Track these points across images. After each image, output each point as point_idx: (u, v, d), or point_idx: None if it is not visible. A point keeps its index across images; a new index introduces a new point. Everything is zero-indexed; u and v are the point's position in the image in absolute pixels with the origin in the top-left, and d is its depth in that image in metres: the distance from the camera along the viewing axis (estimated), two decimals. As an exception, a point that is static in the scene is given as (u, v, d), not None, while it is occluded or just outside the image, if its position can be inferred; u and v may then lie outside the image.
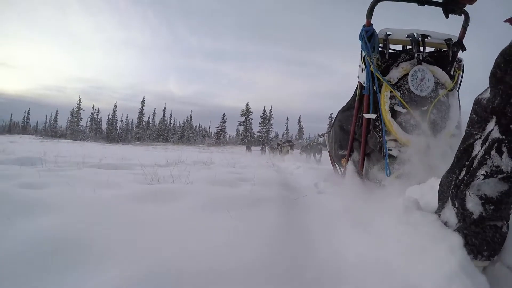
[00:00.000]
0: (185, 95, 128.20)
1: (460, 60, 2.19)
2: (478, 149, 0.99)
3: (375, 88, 2.07)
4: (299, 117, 59.01)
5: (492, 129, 0.95)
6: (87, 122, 58.84)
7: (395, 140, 1.97)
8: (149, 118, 60.66)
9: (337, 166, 3.09)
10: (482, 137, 0.98)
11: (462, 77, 2.18)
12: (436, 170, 1.52)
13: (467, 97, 1.94)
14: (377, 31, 2.09)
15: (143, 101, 57.81)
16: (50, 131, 59.79)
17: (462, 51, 2.18)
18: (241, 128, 51.93)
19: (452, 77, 2.12)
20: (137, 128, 57.56)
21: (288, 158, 9.57)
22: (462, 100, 2.10)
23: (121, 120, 62.28)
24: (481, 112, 0.99)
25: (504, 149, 0.91)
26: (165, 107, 61.00)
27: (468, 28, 2.13)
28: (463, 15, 2.03)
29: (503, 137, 0.92)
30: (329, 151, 3.33)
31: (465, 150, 1.04)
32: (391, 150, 1.97)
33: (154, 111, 60.75)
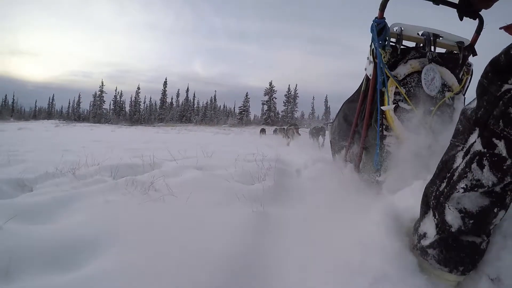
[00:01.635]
0: (210, 75, 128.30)
1: (469, 65, 2.18)
2: (459, 161, 0.98)
3: (381, 82, 2.04)
4: (326, 97, 56.52)
5: (475, 141, 0.94)
6: (110, 105, 59.88)
7: (395, 137, 1.97)
8: (172, 99, 61.13)
9: (336, 156, 3.08)
10: (464, 149, 0.97)
11: (470, 82, 2.18)
12: (431, 172, 1.45)
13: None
14: (389, 24, 2.05)
15: (165, 82, 57.81)
16: (73, 115, 61.17)
17: (473, 56, 2.16)
18: (265, 107, 49.21)
19: (460, 81, 2.13)
20: (160, 110, 56.57)
21: (294, 144, 9.44)
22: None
23: (144, 102, 62.80)
24: (465, 122, 0.99)
25: (485, 162, 0.90)
26: (188, 88, 61.54)
27: (481, 34, 2.08)
28: (477, 19, 2.00)
29: (485, 150, 0.90)
30: (330, 140, 3.37)
31: (446, 161, 1.04)
32: (389, 146, 1.99)
33: (177, 92, 60.69)
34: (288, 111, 51.05)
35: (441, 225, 1.00)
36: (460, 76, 2.15)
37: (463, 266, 0.98)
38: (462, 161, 0.97)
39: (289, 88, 51.96)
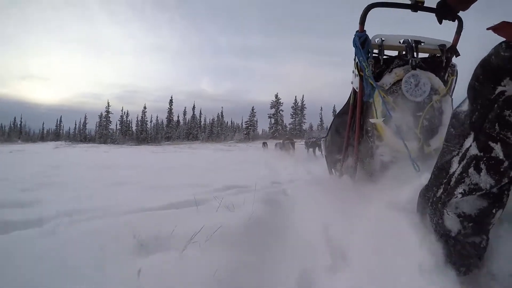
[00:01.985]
0: (218, 93, 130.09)
1: (454, 66, 2.22)
2: (455, 166, 0.99)
3: (367, 93, 2.09)
4: (334, 107, 55.13)
5: (470, 146, 0.95)
6: (116, 125, 60.25)
7: (387, 146, 2.01)
8: (178, 117, 61.39)
9: (333, 170, 3.14)
10: (460, 154, 0.98)
11: (455, 83, 2.22)
12: (426, 176, 1.48)
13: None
14: (371, 37, 2.12)
15: (171, 101, 57.40)
16: (79, 136, 61.36)
17: (456, 57, 2.20)
18: (272, 121, 48.18)
19: (445, 83, 2.16)
20: (166, 128, 56.10)
21: (288, 160, 9.24)
22: (455, 106, 1.78)
23: (151, 121, 63.03)
24: (459, 126, 1.00)
25: (482, 166, 0.91)
26: (194, 105, 61.53)
27: (461, 33, 2.16)
28: (456, 21, 2.05)
29: (481, 154, 0.91)
30: (325, 155, 3.40)
31: (442, 167, 1.05)
32: (383, 156, 2.04)
33: (184, 110, 60.95)
34: (296, 123, 50.10)
35: (440, 229, 1.01)
36: (446, 78, 2.19)
37: (465, 266, 0.98)
38: (459, 166, 0.97)
39: (295, 100, 51.23)
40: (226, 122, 62.22)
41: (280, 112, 50.04)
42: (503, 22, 0.93)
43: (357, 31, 2.09)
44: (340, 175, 2.80)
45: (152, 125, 63.26)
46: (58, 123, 68.53)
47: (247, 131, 50.46)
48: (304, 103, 51.71)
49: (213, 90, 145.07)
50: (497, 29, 0.94)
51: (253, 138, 44.72)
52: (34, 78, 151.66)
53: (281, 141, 15.65)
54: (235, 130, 59.60)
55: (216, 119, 59.02)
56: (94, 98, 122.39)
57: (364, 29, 2.07)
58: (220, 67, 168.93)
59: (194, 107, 60.20)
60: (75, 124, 66.61)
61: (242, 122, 58.36)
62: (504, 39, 0.90)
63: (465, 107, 0.99)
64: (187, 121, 60.23)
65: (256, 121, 53.57)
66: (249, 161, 8.44)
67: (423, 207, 1.12)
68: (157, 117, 65.09)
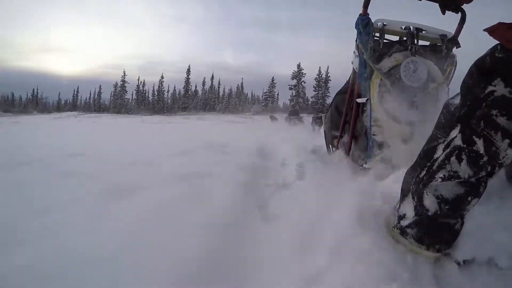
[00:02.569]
0: (240, 65, 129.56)
1: (453, 56, 2.27)
2: (440, 153, 1.07)
3: (366, 75, 2.21)
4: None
5: (456, 136, 1.02)
6: (132, 94, 60.30)
7: (380, 126, 2.09)
8: (196, 87, 60.65)
9: (330, 146, 3.25)
10: (445, 142, 1.05)
11: (453, 73, 2.27)
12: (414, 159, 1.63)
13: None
14: (373, 21, 2.21)
15: (188, 70, 55.65)
16: (94, 106, 61.75)
17: (457, 48, 2.27)
18: (294, 93, 44.61)
19: (444, 72, 2.21)
20: (183, 98, 53.75)
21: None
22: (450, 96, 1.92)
23: (168, 91, 62.81)
24: (448, 117, 1.08)
25: (463, 156, 0.99)
26: (212, 75, 60.33)
27: (464, 26, 2.23)
28: (460, 12, 2.12)
29: (464, 145, 0.99)
30: (324, 131, 3.51)
31: (428, 151, 1.13)
32: (375, 135, 2.11)
33: (203, 80, 59.56)
34: (319, 96, 46.22)
35: (419, 208, 1.11)
36: (444, 67, 2.22)
37: (439, 244, 1.10)
38: (442, 153, 1.05)
39: (320, 71, 47.18)
40: (246, 93, 61.15)
41: (302, 83, 46.26)
42: (500, 23, 0.95)
43: (360, 14, 2.18)
44: (335, 150, 2.97)
45: (169, 95, 62.83)
46: (75, 93, 69.44)
47: (266, 103, 47.28)
48: (329, 75, 48.19)
49: (235, 62, 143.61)
50: (493, 31, 0.96)
51: (271, 110, 41.58)
52: (56, 51, 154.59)
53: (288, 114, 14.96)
54: (254, 102, 58.24)
55: (235, 90, 57.76)
56: (116, 68, 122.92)
57: (368, 12, 2.17)
58: (243, 39, 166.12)
59: (212, 77, 58.35)
60: (90, 94, 67.49)
61: (262, 95, 56.30)
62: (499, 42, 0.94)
63: (457, 100, 1.06)
64: (205, 91, 59.27)
65: (278, 94, 52.16)
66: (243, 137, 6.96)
67: (406, 184, 1.21)
68: (174, 87, 64.40)
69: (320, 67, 47.95)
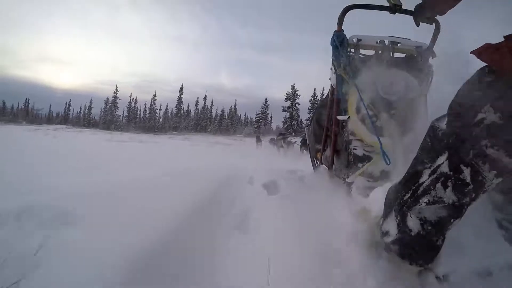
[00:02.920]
0: (236, 87, 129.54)
1: (430, 66, 2.29)
2: (425, 178, 1.08)
3: (343, 91, 2.25)
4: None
5: (442, 163, 1.02)
6: (123, 111, 59.25)
7: (360, 140, 2.11)
8: (188, 107, 60.35)
9: (314, 160, 3.30)
10: (432, 168, 1.06)
11: (431, 82, 2.27)
12: (397, 172, 1.67)
13: (435, 101, 2.07)
14: (348, 37, 2.25)
15: (181, 89, 54.22)
16: (83, 120, 60.91)
17: (433, 58, 2.30)
18: (287, 115, 42.96)
19: (421, 82, 2.21)
20: (175, 118, 52.25)
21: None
22: (429, 105, 2.22)
23: (160, 109, 61.83)
24: (435, 142, 1.08)
25: (449, 184, 1.00)
26: (205, 96, 58.19)
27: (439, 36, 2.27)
28: (434, 23, 2.18)
29: (451, 173, 0.99)
30: (308, 144, 3.49)
31: (413, 175, 1.13)
32: (356, 149, 2.12)
33: (196, 100, 58.86)
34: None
35: (402, 227, 1.13)
36: (421, 78, 2.22)
37: (421, 260, 1.13)
38: (428, 178, 1.06)
39: (314, 93, 45.60)
40: (239, 115, 60.94)
41: (297, 105, 44.65)
42: (486, 44, 0.95)
43: (335, 31, 2.21)
44: (319, 164, 3.07)
45: (161, 113, 62.24)
46: (67, 106, 68.44)
47: (258, 125, 45.64)
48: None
49: (231, 84, 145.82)
50: (480, 53, 0.96)
51: (264, 133, 39.85)
52: (53, 62, 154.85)
53: (275, 137, 14.34)
54: (247, 124, 58.09)
55: (228, 111, 57.45)
56: (111, 84, 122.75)
57: (342, 28, 2.21)
58: (239, 61, 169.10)
59: (205, 98, 56.63)
60: (80, 108, 66.44)
61: (255, 117, 54.32)
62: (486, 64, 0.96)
63: (443, 124, 1.06)
64: (198, 112, 58.55)
65: (271, 117, 51.75)
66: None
67: (390, 203, 1.23)
68: (167, 105, 62.79)
69: (315, 89, 46.78)
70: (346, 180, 2.12)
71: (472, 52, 0.98)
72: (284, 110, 45.37)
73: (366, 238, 1.35)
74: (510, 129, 0.90)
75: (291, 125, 43.30)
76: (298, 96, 45.58)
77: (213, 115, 58.05)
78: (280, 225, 1.78)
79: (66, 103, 68.54)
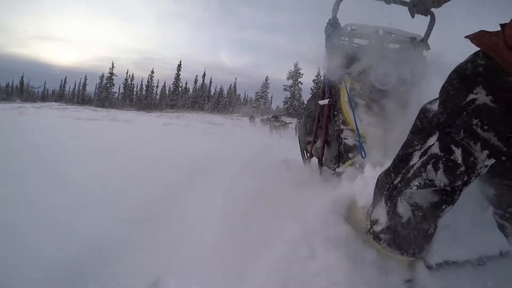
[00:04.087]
0: (237, 66, 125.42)
1: (424, 58, 2.26)
2: (416, 160, 1.05)
3: (335, 79, 2.25)
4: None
5: (433, 144, 1.01)
6: (119, 88, 57.68)
7: (352, 130, 2.09)
8: (186, 84, 58.26)
9: (304, 152, 3.28)
10: (422, 149, 1.05)
11: (424, 74, 2.17)
12: (388, 162, 1.59)
13: (429, 93, 1.73)
14: (342, 25, 2.25)
15: (179, 65, 51.63)
16: (77, 97, 59.42)
17: (426, 50, 2.28)
18: (289, 94, 40.31)
19: (414, 74, 2.14)
20: (172, 95, 49.70)
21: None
22: (422, 98, 1.95)
23: (157, 86, 60.16)
24: (426, 124, 1.06)
25: (440, 165, 0.97)
26: (204, 73, 55.00)
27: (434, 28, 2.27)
28: (429, 15, 2.16)
29: (442, 154, 0.97)
30: (298, 137, 3.54)
31: (403, 158, 1.11)
32: (347, 139, 2.11)
33: (195, 78, 57.39)
34: (316, 99, 41.61)
35: (392, 214, 1.10)
36: (414, 70, 2.16)
37: (412, 249, 1.09)
38: (419, 161, 1.04)
39: (318, 73, 42.39)
40: (238, 94, 59.59)
41: (299, 85, 41.83)
42: (481, 31, 0.95)
43: (329, 19, 2.20)
44: (309, 156, 3.00)
45: (158, 91, 60.72)
46: (63, 83, 66.72)
47: (257, 104, 43.05)
48: (328, 78, 43.08)
49: (233, 63, 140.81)
50: (474, 38, 0.96)
51: (263, 112, 37.35)
52: (53, 39, 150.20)
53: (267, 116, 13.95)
54: (246, 103, 56.27)
55: (227, 90, 55.88)
56: (110, 62, 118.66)
57: (337, 17, 2.20)
58: (241, 40, 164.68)
59: (204, 75, 54.02)
60: (74, 85, 65.47)
61: (255, 96, 52.94)
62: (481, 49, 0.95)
63: (435, 106, 1.05)
64: (196, 90, 56.84)
65: (271, 98, 50.35)
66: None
67: (380, 190, 1.20)
68: (164, 82, 60.60)
69: (319, 68, 43.70)
70: (336, 170, 2.13)
71: (466, 37, 0.97)
72: (285, 89, 42.77)
73: (354, 231, 1.32)
74: (501, 113, 0.89)
75: (292, 105, 40.75)
76: (301, 75, 42.90)
77: (212, 93, 56.47)
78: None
79: (61, 80, 67.12)
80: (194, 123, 14.66)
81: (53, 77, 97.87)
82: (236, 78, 72.15)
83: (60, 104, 37.51)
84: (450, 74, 1.00)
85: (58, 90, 66.59)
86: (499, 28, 0.90)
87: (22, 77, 63.28)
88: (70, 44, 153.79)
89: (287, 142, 7.36)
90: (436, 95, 1.06)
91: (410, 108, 1.96)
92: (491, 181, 1.17)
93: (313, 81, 44.03)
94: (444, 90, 1.01)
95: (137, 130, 9.03)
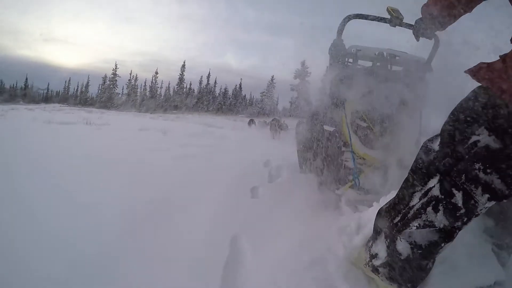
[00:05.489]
0: (243, 68, 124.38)
1: (426, 81, 2.24)
2: (416, 201, 1.06)
3: (338, 101, 2.20)
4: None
5: (434, 186, 1.01)
6: (123, 89, 55.96)
7: (352, 152, 2.08)
8: (191, 84, 56.66)
9: (303, 166, 3.26)
10: (422, 191, 1.05)
11: (426, 97, 2.23)
12: (388, 186, 1.67)
13: (430, 115, 2.11)
14: (348, 47, 2.24)
15: (183, 66, 48.93)
16: (80, 99, 58.43)
17: (429, 73, 2.25)
18: (295, 94, 37.91)
19: (417, 96, 2.16)
20: (175, 96, 47.88)
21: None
22: (424, 119, 2.23)
23: (161, 87, 57.84)
24: (427, 164, 1.06)
25: (440, 207, 0.98)
26: (209, 73, 52.09)
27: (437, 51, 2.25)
28: (433, 39, 2.13)
29: (442, 197, 0.98)
30: (297, 150, 3.46)
31: (403, 197, 1.12)
32: (347, 161, 2.10)
33: (200, 79, 55.70)
34: (324, 100, 39.35)
35: (392, 251, 1.11)
36: (417, 92, 2.17)
37: (410, 283, 1.10)
38: (419, 202, 1.03)
39: (326, 71, 39.86)
40: (244, 95, 57.53)
41: (306, 84, 39.44)
42: (481, 63, 0.93)
43: (334, 40, 2.19)
44: (308, 171, 2.96)
45: (162, 91, 58.69)
46: (67, 85, 65.44)
47: (262, 105, 40.85)
48: (336, 77, 40.90)
49: (239, 64, 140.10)
50: (474, 73, 0.94)
51: (269, 114, 35.32)
52: (58, 41, 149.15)
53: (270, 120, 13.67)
54: (252, 104, 54.54)
55: (233, 91, 54.63)
56: (118, 64, 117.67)
57: (341, 38, 2.18)
58: (246, 41, 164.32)
59: (209, 75, 52.21)
60: (77, 86, 64.63)
61: (260, 96, 50.22)
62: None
63: (436, 145, 1.04)
64: (201, 90, 55.65)
65: (277, 98, 48.84)
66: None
67: (380, 225, 1.21)
68: (168, 83, 58.07)
69: (327, 67, 41.26)
70: (336, 191, 2.11)
71: (466, 72, 0.96)
72: (292, 89, 40.39)
73: (353, 259, 1.37)
74: (504, 153, 0.88)
75: (300, 106, 38.48)
76: (308, 74, 40.43)
77: (216, 94, 55.40)
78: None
79: (65, 81, 66.20)
80: (182, 127, 12.41)
81: (59, 78, 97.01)
82: (241, 79, 70.12)
83: (61, 105, 36.15)
84: (451, 114, 1.00)
85: (63, 91, 65.58)
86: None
87: (27, 79, 62.70)
88: (75, 46, 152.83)
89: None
90: (438, 117, 1.12)
91: (412, 131, 2.04)
92: (490, 212, 1.20)
93: (321, 81, 41.52)
94: (445, 130, 1.01)
95: (91, 138, 6.76)
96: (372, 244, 1.21)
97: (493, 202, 0.91)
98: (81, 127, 9.35)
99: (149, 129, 9.78)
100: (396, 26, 2.04)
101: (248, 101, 57.05)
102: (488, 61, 0.91)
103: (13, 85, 63.23)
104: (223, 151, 5.72)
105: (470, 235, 1.21)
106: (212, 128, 13.27)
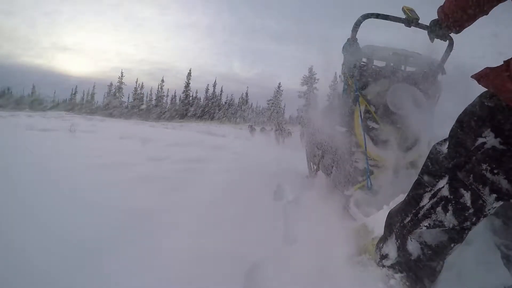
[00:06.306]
0: (248, 76, 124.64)
1: (439, 83, 2.23)
2: (426, 201, 1.05)
3: (350, 100, 2.14)
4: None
5: (443, 187, 1.00)
6: (128, 97, 55.92)
7: (363, 153, 2.03)
8: (197, 92, 56.44)
9: (311, 164, 3.21)
10: (432, 191, 1.04)
11: (439, 99, 2.24)
12: (399, 187, 1.60)
13: (443, 118, 2.00)
14: (362, 46, 2.16)
15: (189, 74, 47.91)
16: (85, 107, 57.76)
17: (442, 75, 2.22)
18: (304, 101, 36.43)
19: (429, 98, 2.15)
20: (181, 104, 47.10)
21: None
22: (436, 121, 2.16)
23: (167, 96, 57.62)
24: (436, 166, 1.06)
25: (449, 207, 0.97)
26: (215, 82, 50.80)
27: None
28: (447, 40, 2.06)
29: (451, 197, 0.97)
30: (306, 148, 3.45)
31: (413, 198, 1.11)
32: (357, 162, 2.05)
33: (206, 87, 55.45)
34: (332, 107, 37.79)
35: (402, 251, 1.12)
36: (430, 94, 2.17)
37: (420, 284, 1.09)
38: (429, 202, 1.04)
39: (335, 77, 38.35)
40: (250, 103, 57.16)
41: (314, 91, 37.95)
42: (486, 69, 0.93)
43: (348, 39, 2.12)
44: (316, 170, 2.91)
45: (168, 100, 58.47)
46: (73, 93, 65.29)
47: (269, 113, 39.44)
48: (344, 84, 39.43)
49: (244, 73, 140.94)
50: (481, 78, 0.93)
51: (276, 122, 33.80)
52: (68, 50, 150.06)
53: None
54: (258, 112, 53.48)
55: (239, 99, 54.28)
56: (124, 72, 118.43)
57: (356, 37, 2.12)
58: (252, 50, 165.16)
59: (215, 84, 51.45)
60: (83, 94, 63.70)
61: (267, 104, 48.43)
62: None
63: (445, 148, 1.04)
64: (207, 99, 55.54)
65: (284, 106, 46.60)
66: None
67: (390, 226, 1.20)
68: (174, 92, 57.92)
69: (336, 73, 39.82)
70: (345, 192, 2.08)
71: (472, 77, 0.97)
72: (300, 97, 38.94)
73: (361, 259, 1.34)
74: (510, 154, 0.89)
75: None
76: (316, 80, 38.94)
77: (223, 103, 54.96)
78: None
79: (72, 89, 65.99)
80: (174, 135, 11.05)
81: (67, 87, 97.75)
82: (247, 87, 69.18)
83: (66, 113, 35.53)
84: (459, 117, 1.01)
85: (69, 99, 65.51)
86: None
87: (34, 87, 63.03)
88: (79, 55, 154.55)
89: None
90: (449, 119, 1.08)
91: (423, 132, 1.97)
92: (498, 211, 1.18)
93: (329, 86, 40.06)
94: (453, 133, 1.02)
95: (50, 147, 5.48)
96: (382, 245, 1.23)
97: (501, 202, 0.93)
98: (58, 134, 8.13)
99: (131, 137, 8.39)
100: (411, 27, 1.99)
101: (254, 109, 55.86)
102: (494, 66, 0.91)
103: (21, 92, 64.16)
104: (205, 171, 4.08)
105: (478, 241, 1.21)
106: (212, 136, 12.49)
